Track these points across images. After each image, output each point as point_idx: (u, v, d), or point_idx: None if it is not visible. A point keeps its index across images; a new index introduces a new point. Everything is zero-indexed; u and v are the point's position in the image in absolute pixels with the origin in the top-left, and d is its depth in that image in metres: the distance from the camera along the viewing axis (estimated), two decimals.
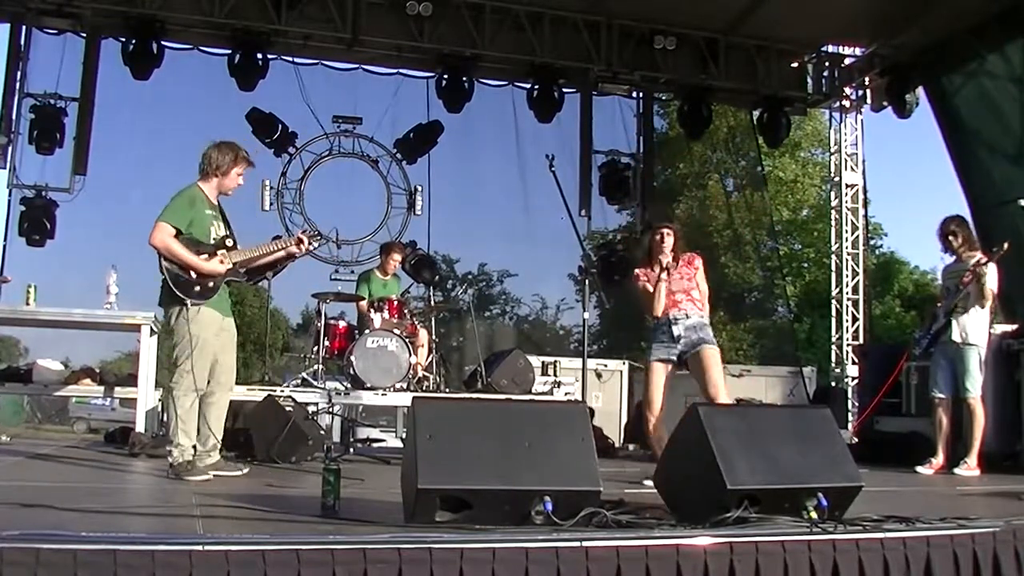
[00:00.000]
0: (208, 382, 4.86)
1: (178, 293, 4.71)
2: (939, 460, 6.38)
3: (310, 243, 5.35)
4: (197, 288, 4.76)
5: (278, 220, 10.03)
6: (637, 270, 5.57)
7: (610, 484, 3.53)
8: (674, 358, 5.34)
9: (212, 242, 4.87)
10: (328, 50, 10.09)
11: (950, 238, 6.55)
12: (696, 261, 5.51)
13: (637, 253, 5.94)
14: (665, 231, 5.46)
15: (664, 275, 5.34)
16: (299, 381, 7.25)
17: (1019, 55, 9.15)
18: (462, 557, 2.59)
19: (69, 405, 22.90)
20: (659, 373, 5.34)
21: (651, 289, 5.36)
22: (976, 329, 6.36)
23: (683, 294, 5.39)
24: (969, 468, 6.22)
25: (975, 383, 6.30)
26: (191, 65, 9.83)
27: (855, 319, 11.49)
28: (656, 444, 5.19)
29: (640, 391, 8.41)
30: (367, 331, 7.26)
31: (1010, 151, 9.42)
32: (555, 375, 8.87)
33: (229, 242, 4.93)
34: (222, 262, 4.87)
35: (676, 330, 5.31)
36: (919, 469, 6.34)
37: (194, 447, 4.84)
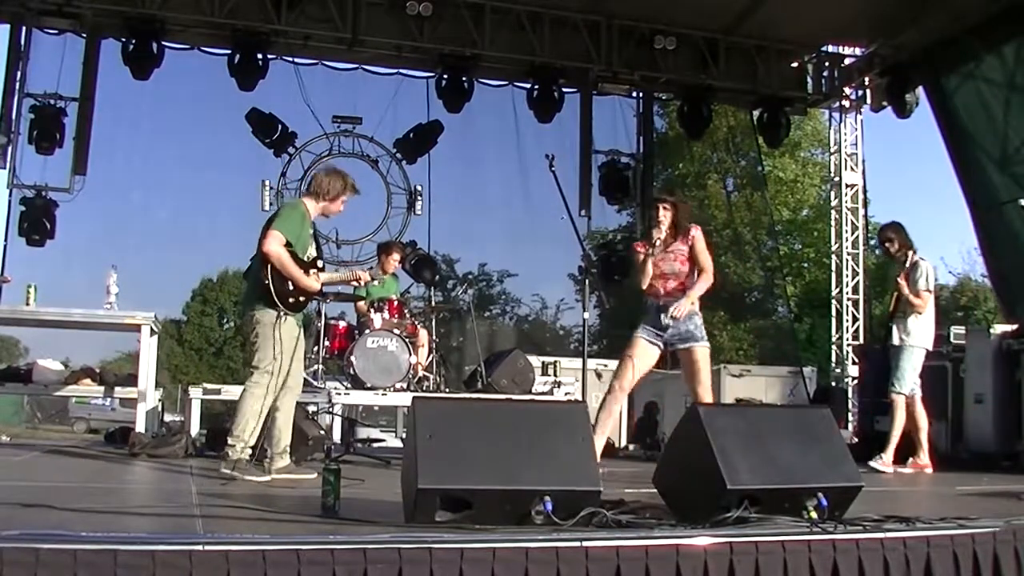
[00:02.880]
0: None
1: (277, 301, 4.83)
2: (889, 457, 6.33)
3: (372, 279, 5.78)
4: (292, 300, 4.89)
5: None
6: (635, 243, 5.57)
7: (610, 484, 3.53)
8: (660, 344, 5.18)
9: (307, 260, 5.00)
10: (328, 50, 10.09)
11: (887, 245, 6.62)
12: (692, 232, 5.26)
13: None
14: (661, 205, 5.28)
15: (652, 251, 5.20)
16: None
17: (1013, 57, 9.16)
18: (462, 557, 2.59)
19: (69, 405, 22.94)
20: (640, 348, 5.17)
21: (639, 264, 5.29)
22: (917, 330, 6.34)
23: (674, 279, 5.20)
24: (884, 464, 6.18)
25: (903, 381, 6.29)
26: (191, 65, 9.85)
27: (855, 319, 11.49)
28: (602, 422, 5.09)
29: (644, 392, 8.44)
30: (367, 331, 7.25)
31: (996, 155, 9.46)
32: (555, 375, 8.87)
33: (320, 263, 5.11)
34: (316, 280, 5.04)
35: (665, 319, 5.13)
36: (872, 464, 6.22)
37: (264, 449, 4.93)
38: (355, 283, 5.60)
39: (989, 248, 9.82)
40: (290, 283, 4.86)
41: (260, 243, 4.84)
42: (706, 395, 5.10)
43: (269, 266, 4.80)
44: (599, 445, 4.91)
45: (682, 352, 5.17)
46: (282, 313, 4.84)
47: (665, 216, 5.22)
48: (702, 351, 5.13)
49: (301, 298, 4.95)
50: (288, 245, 4.85)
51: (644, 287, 5.21)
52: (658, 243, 5.21)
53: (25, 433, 17.06)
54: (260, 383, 4.82)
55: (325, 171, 5.21)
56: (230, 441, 4.77)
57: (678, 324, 5.10)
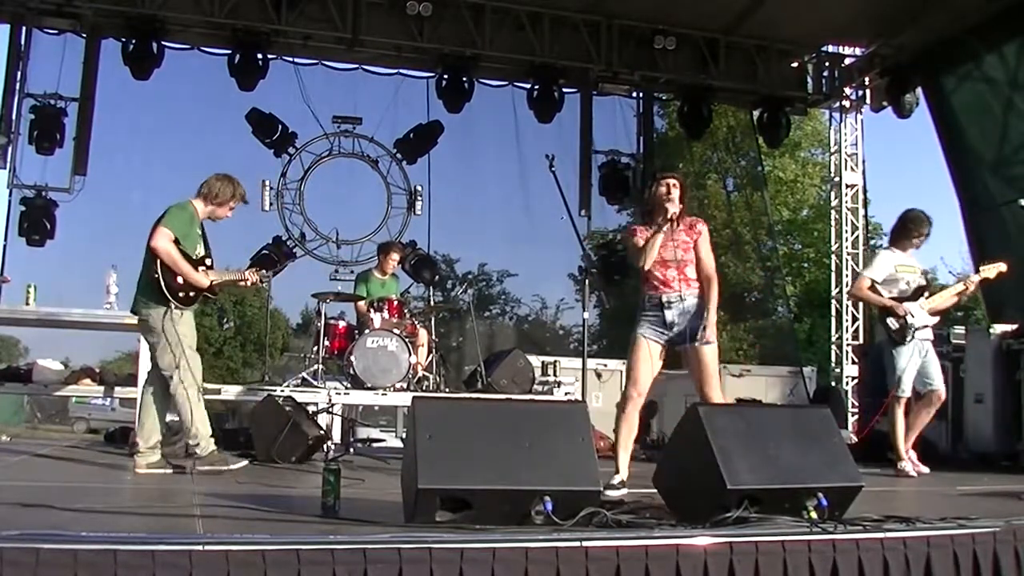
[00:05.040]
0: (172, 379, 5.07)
1: (168, 295, 5.02)
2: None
3: (261, 281, 5.74)
4: (182, 294, 5.08)
5: (278, 220, 10.05)
6: (634, 226, 5.04)
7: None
8: (663, 343, 4.81)
9: (195, 258, 5.18)
10: (328, 50, 10.09)
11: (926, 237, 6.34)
12: (699, 226, 4.90)
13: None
14: (671, 181, 4.87)
15: (666, 226, 4.74)
16: (299, 381, 7.25)
17: (1014, 57, 9.16)
18: (462, 557, 2.59)
19: (69, 405, 22.92)
20: (645, 348, 4.79)
21: (641, 244, 4.82)
22: None
23: (676, 270, 4.79)
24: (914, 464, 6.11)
25: None
26: (191, 65, 9.85)
27: (855, 319, 11.48)
28: (626, 430, 4.80)
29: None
30: (367, 331, 7.26)
31: (992, 157, 9.46)
32: (555, 375, 8.86)
33: (208, 262, 5.27)
34: (205, 276, 5.20)
35: (668, 315, 4.78)
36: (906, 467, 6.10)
37: (137, 442, 5.10)
38: (243, 283, 5.59)
39: (980, 250, 9.78)
40: (179, 278, 5.04)
41: (148, 240, 5.02)
42: (716, 395, 4.79)
43: (159, 261, 5.00)
44: (624, 462, 4.78)
45: (692, 354, 4.80)
46: (174, 307, 5.01)
47: (676, 193, 4.83)
48: (710, 349, 4.79)
49: (191, 293, 5.12)
50: (176, 242, 5.04)
51: (647, 266, 4.78)
52: (674, 218, 4.78)
53: (25, 433, 17.04)
54: (184, 381, 4.99)
55: (218, 177, 5.31)
56: (191, 443, 5.04)
57: (683, 322, 4.77)
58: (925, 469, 6.14)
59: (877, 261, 6.30)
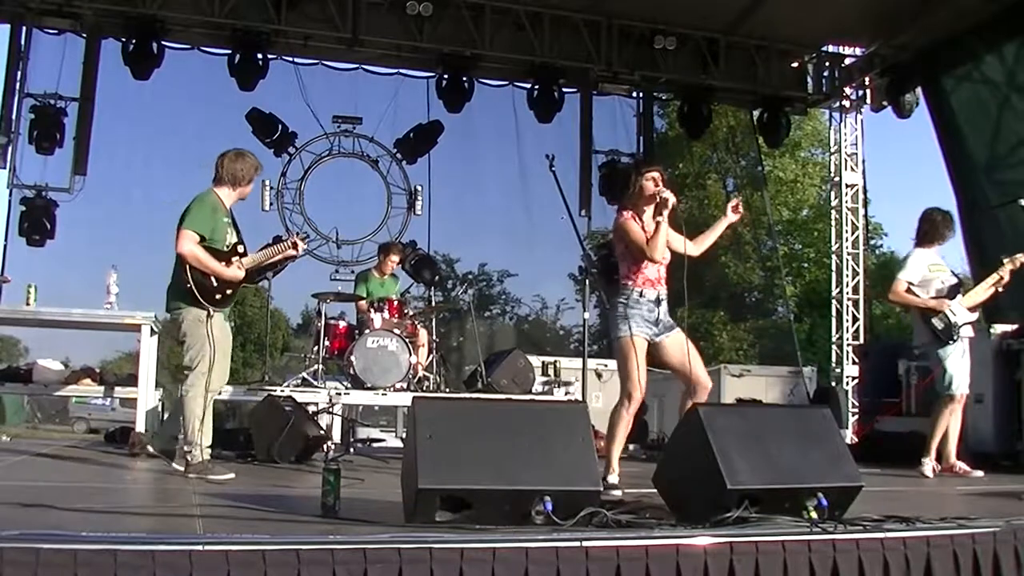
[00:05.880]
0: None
1: (203, 300, 4.82)
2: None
3: (306, 244, 5.56)
4: (218, 296, 4.89)
5: (278, 220, 10.05)
6: (625, 211, 4.88)
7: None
8: (650, 339, 4.76)
9: (226, 249, 4.96)
10: (328, 50, 10.10)
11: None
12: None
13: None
14: (658, 174, 4.84)
15: (666, 212, 4.67)
16: (299, 381, 7.25)
17: (1013, 56, 9.15)
18: (462, 557, 2.59)
19: (69, 405, 22.93)
20: (643, 348, 4.73)
21: (642, 235, 4.76)
22: None
23: (664, 268, 4.86)
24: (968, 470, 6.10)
25: None
26: (191, 65, 9.86)
27: (855, 319, 11.49)
28: (624, 432, 4.78)
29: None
30: (367, 331, 7.26)
31: (989, 157, 9.44)
32: (555, 375, 8.86)
33: (241, 248, 5.04)
34: (239, 268, 5.00)
35: (660, 311, 4.79)
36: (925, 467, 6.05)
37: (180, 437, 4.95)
38: (291, 255, 5.43)
39: (979, 251, 9.78)
40: (212, 279, 4.84)
41: (175, 245, 4.80)
42: (704, 373, 4.80)
43: (188, 267, 4.78)
44: (615, 458, 4.74)
45: (671, 340, 4.80)
46: (211, 311, 4.84)
47: (662, 185, 4.77)
48: (683, 334, 4.86)
49: (228, 291, 4.95)
50: (203, 240, 4.82)
51: (657, 257, 4.75)
52: (673, 208, 4.71)
53: (25, 433, 17.05)
54: (197, 384, 4.85)
55: (231, 159, 5.00)
56: (186, 448, 4.85)
57: (666, 318, 4.81)
58: (978, 473, 6.03)
59: (911, 262, 6.21)
